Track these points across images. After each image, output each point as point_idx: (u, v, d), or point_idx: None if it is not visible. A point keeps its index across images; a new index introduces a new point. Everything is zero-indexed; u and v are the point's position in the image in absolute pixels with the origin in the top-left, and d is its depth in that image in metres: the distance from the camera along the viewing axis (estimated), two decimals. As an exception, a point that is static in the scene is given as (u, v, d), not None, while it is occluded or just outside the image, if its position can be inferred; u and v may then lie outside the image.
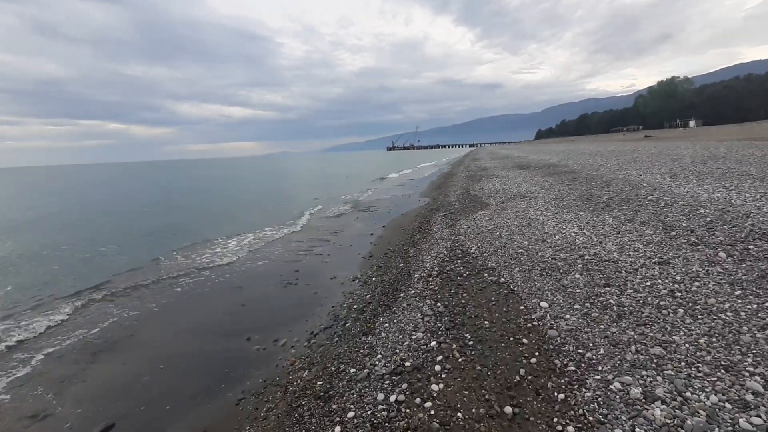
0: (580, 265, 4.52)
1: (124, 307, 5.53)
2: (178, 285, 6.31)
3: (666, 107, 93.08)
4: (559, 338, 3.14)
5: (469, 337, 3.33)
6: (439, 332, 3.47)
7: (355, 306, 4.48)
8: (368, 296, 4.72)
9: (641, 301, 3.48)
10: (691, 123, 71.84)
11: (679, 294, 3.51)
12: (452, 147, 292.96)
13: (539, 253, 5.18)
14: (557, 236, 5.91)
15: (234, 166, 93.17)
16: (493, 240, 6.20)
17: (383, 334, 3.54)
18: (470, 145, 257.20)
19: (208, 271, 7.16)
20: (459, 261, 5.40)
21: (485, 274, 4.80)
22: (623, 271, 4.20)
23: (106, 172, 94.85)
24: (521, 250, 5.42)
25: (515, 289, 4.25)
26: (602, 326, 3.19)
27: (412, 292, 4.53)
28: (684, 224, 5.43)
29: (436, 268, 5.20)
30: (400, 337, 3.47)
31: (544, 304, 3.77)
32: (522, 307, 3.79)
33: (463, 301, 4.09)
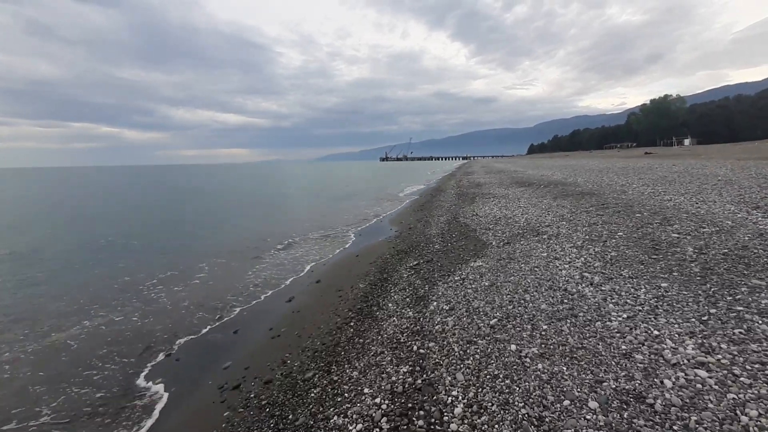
0: None
1: None
2: None
3: (658, 125, 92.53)
4: None
5: None
6: None
7: None
8: None
9: None
10: (686, 141, 70.68)
11: None
12: (445, 159, 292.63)
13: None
14: (669, 379, 2.37)
15: (224, 172, 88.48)
16: (505, 376, 2.61)
17: None
18: (463, 158, 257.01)
19: None
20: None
21: None
22: None
23: (85, 175, 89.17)
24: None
25: None
26: None
27: None
28: None
29: None
30: None
31: None
32: None
33: None
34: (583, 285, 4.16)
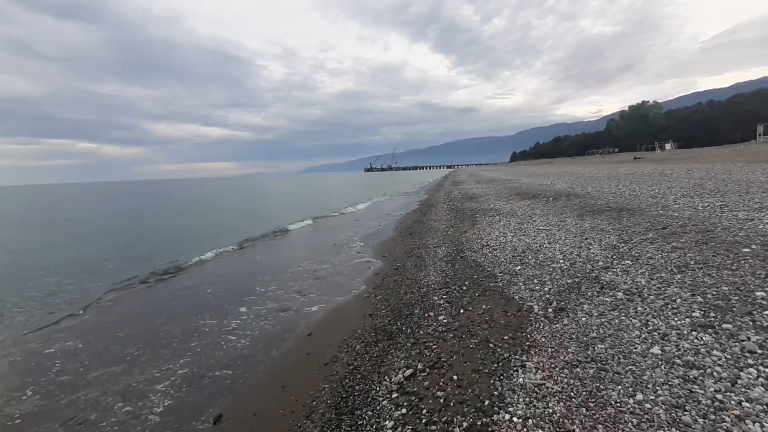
0: None
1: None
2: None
3: (637, 131, 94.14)
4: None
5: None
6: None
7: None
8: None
9: None
10: (668, 145, 71.44)
11: None
12: (429, 168, 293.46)
13: None
14: None
15: (202, 187, 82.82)
16: None
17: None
18: (448, 167, 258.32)
19: None
20: None
21: None
22: None
23: (60, 191, 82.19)
24: None
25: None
26: None
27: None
28: None
29: None
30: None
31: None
32: None
33: None
34: None
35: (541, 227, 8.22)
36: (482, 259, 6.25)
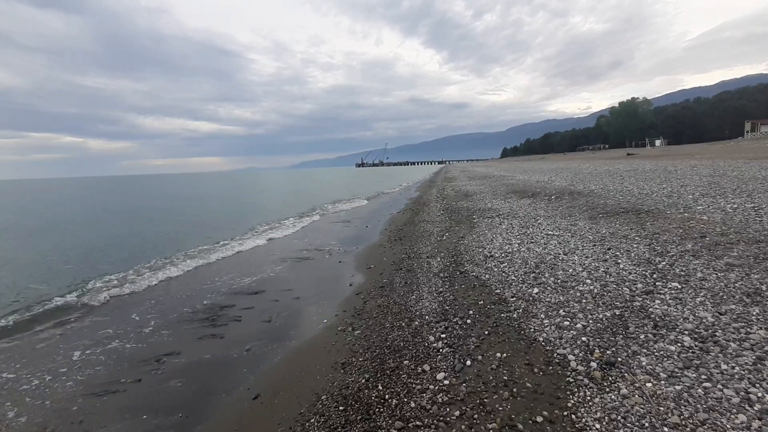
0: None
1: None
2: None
3: (627, 127, 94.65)
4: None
5: None
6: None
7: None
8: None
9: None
10: (657, 142, 71.75)
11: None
12: (421, 164, 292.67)
13: None
14: None
15: (187, 184, 79.72)
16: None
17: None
18: (439, 162, 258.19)
19: None
20: None
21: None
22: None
23: (30, 188, 77.84)
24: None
25: None
26: None
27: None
28: None
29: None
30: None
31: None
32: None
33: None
34: None
35: (550, 232, 7.13)
36: (487, 276, 5.09)
